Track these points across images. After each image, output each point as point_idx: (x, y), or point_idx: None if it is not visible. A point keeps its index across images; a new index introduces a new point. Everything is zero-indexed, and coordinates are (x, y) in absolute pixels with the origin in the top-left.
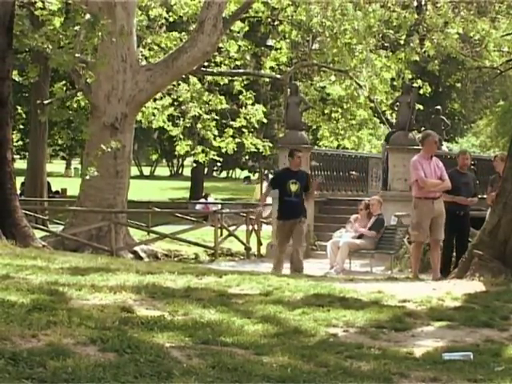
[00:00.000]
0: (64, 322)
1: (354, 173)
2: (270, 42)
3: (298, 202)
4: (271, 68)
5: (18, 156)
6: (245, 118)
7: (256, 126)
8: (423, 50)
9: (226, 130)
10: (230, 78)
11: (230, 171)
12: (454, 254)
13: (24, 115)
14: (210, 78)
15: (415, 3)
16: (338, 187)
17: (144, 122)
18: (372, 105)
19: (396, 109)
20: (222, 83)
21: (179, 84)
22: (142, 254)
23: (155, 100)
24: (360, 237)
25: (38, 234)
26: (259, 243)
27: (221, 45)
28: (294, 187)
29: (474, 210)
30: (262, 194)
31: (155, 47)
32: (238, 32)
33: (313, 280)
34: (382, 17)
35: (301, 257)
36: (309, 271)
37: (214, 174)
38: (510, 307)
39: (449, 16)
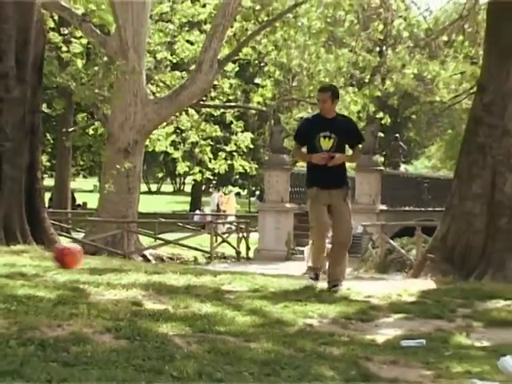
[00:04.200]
0: (84, 314)
1: None
2: (257, 80)
3: (334, 167)
4: (258, 102)
5: (46, 175)
6: (235, 144)
7: (245, 150)
8: (384, 87)
9: (219, 154)
10: (223, 110)
11: (224, 188)
12: None
13: (52, 141)
14: (206, 109)
15: (378, 48)
16: None
17: (150, 147)
18: None
19: None
20: (215, 114)
21: (181, 115)
22: (150, 257)
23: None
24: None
25: (63, 240)
26: (247, 248)
27: (216, 82)
28: (326, 143)
29: (426, 221)
30: (296, 155)
31: (161, 84)
32: (231, 72)
33: (293, 279)
34: (350, 59)
35: (343, 257)
36: (289, 271)
37: (210, 190)
38: (456, 302)
39: (405, 59)
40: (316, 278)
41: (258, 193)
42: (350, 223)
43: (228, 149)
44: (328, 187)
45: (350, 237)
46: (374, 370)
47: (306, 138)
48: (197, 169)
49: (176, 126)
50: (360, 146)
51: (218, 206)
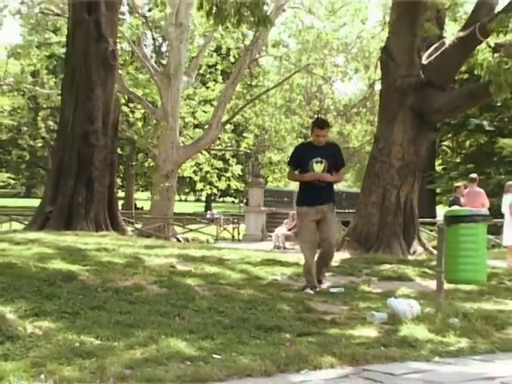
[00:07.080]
0: (141, 273)
1: (285, 199)
2: (244, 134)
3: (324, 186)
4: (245, 147)
5: (120, 190)
6: (231, 172)
7: (237, 176)
8: None
9: (221, 178)
10: (224, 152)
11: (224, 198)
12: None
13: (123, 170)
14: (214, 151)
15: (316, 116)
16: (279, 206)
17: (181, 173)
18: None
19: None
20: (219, 154)
21: (199, 154)
22: (181, 239)
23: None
24: (289, 230)
25: (129, 228)
26: (238, 234)
27: (220, 135)
28: (318, 167)
29: (344, 218)
30: (292, 177)
31: (187, 137)
32: (228, 129)
33: (265, 252)
34: (299, 122)
35: (329, 260)
36: (263, 248)
37: (217, 199)
38: (362, 265)
39: (332, 122)
40: (314, 288)
41: (245, 201)
42: (335, 234)
43: (227, 175)
44: (316, 204)
45: (334, 244)
46: (313, 306)
47: (299, 162)
48: (208, 187)
49: (196, 161)
50: (342, 168)
51: None
